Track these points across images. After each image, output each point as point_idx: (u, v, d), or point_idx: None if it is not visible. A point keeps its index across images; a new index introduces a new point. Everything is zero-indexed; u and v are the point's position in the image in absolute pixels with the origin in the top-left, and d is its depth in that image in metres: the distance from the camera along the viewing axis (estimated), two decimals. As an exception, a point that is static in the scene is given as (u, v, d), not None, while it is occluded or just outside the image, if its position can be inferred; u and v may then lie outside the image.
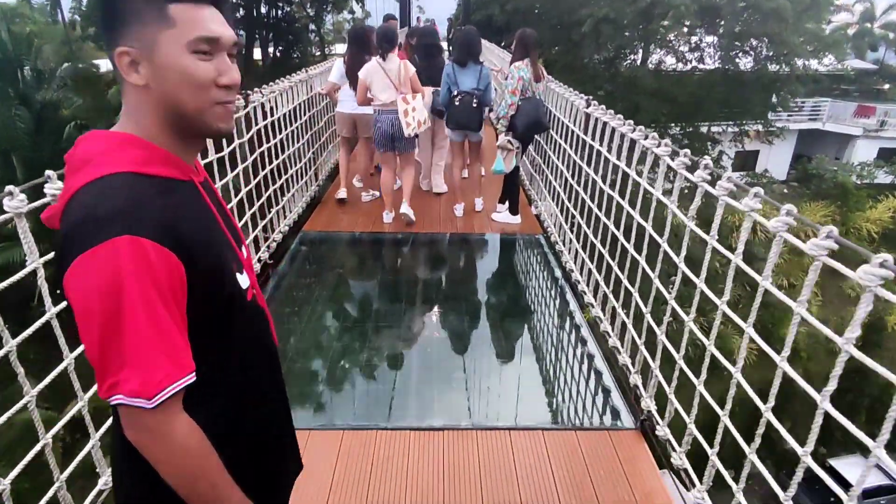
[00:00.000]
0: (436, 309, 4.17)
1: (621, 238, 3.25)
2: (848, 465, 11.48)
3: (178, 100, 1.00)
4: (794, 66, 13.53)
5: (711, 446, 2.18)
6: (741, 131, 16.18)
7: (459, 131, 5.21)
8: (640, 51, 15.38)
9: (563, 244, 4.65)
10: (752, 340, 1.91)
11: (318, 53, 22.67)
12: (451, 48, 5.73)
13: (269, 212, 4.43)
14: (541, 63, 5.63)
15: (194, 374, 0.98)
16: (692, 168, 2.35)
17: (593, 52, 14.32)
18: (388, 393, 3.17)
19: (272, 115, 4.42)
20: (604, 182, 3.59)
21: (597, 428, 2.93)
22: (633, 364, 3.00)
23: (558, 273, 4.60)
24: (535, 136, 5.54)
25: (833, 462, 12.39)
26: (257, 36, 21.75)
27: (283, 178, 4.79)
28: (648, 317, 2.83)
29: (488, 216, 5.62)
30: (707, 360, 2.18)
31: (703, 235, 2.19)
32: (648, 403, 2.77)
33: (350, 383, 3.30)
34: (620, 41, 13.84)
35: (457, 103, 4.88)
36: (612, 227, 3.43)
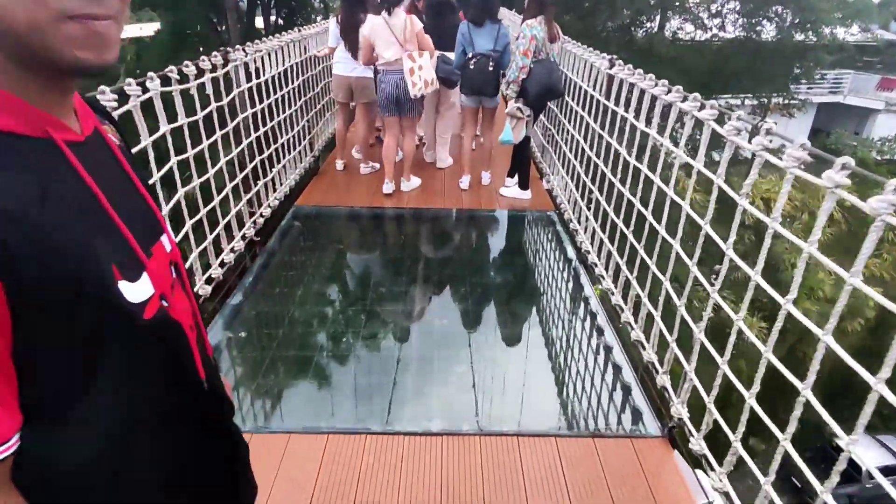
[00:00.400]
0: (438, 294, 3.80)
1: (650, 217, 2.84)
2: (858, 447, 11.27)
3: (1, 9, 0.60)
4: (820, 34, 12.81)
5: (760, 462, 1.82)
6: (761, 104, 15.50)
7: (474, 97, 4.81)
8: (658, 17, 14.65)
9: (578, 222, 4.24)
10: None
11: (322, 20, 21.94)
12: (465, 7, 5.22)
13: (256, 184, 4.03)
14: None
15: (14, 442, 0.62)
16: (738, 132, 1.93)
17: (607, 20, 13.63)
18: (381, 391, 2.81)
19: (258, 77, 4.00)
20: (629, 153, 3.17)
21: (617, 435, 2.57)
22: (660, 363, 2.63)
23: (572, 254, 4.20)
24: (549, 104, 5.10)
25: (840, 442, 12.21)
26: (259, 4, 21.06)
27: (272, 147, 4.38)
28: (682, 310, 2.44)
29: (496, 191, 5.21)
30: (762, 370, 1.80)
31: (763, 217, 1.79)
32: (680, 410, 2.40)
33: (339, 379, 2.95)
34: (638, 5, 13.13)
35: (471, 66, 4.49)
36: (637, 203, 3.02)
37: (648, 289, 2.86)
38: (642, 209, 2.94)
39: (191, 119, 2.99)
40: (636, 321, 2.97)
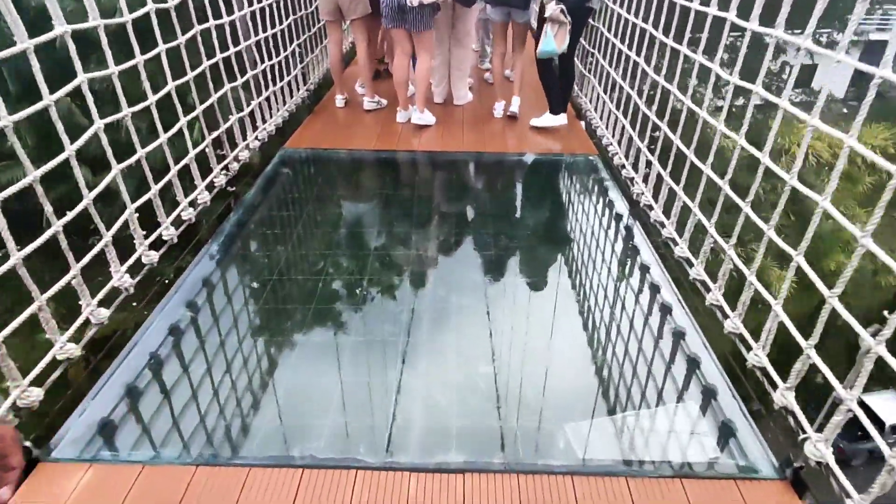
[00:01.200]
0: (455, 266, 3.00)
1: (765, 160, 1.98)
2: (882, 401, 10.79)
3: None
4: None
5: None
6: (813, 40, 13.90)
7: (501, 8, 4.07)
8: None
9: (635, 168, 3.37)
10: None
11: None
12: None
13: (227, 120, 3.20)
14: None
15: None
16: None
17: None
18: (380, 406, 2.06)
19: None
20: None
21: (713, 476, 1.80)
22: (782, 375, 1.83)
23: (624, 209, 3.34)
24: (590, 20, 4.13)
25: (865, 398, 11.92)
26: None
27: (247, 75, 3.51)
28: (831, 299, 1.62)
29: (526, 124, 4.33)
30: None
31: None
32: (821, 451, 1.62)
33: (322, 389, 2.16)
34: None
35: None
36: (739, 139, 2.16)
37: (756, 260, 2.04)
38: (745, 144, 2.08)
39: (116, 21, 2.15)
40: (736, 308, 2.16)
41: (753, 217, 2.09)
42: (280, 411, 2.05)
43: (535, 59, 4.05)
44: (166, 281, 2.67)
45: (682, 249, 2.56)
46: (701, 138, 2.54)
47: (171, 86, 2.56)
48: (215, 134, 2.99)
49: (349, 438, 1.92)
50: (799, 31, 1.95)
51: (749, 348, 2.01)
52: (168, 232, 2.52)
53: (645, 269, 2.84)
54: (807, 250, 1.78)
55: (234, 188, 3.22)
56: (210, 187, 2.95)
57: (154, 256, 2.38)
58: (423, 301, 2.62)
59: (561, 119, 4.23)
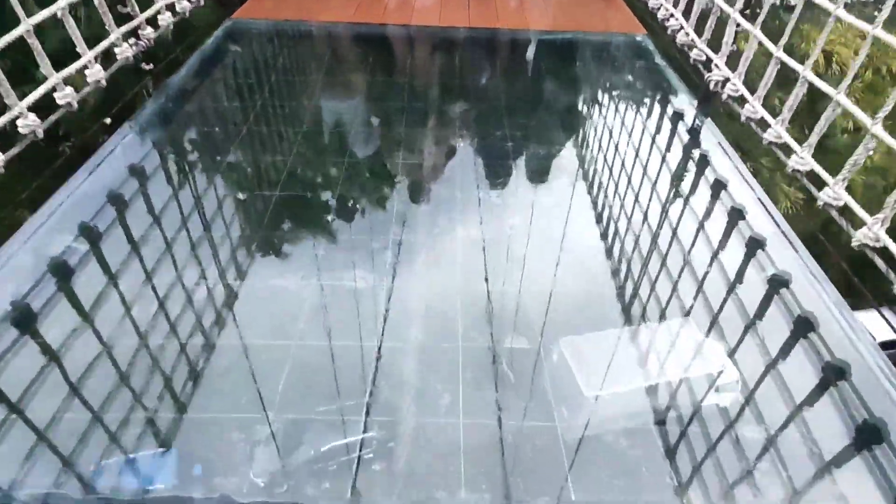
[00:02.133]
0: (457, 172, 2.16)
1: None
2: (869, 319, 10.99)
3: None
4: None
5: None
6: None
7: None
8: None
9: (712, 48, 2.44)
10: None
11: None
12: None
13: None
14: None
15: None
16: None
17: None
18: (353, 418, 1.29)
19: None
20: None
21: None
22: None
23: (686, 104, 2.47)
24: None
25: (856, 315, 12.14)
26: None
27: None
28: None
29: None
30: None
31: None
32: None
33: (270, 379, 1.39)
34: None
35: None
36: None
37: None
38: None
39: None
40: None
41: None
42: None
43: None
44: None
45: (803, 161, 1.72)
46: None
47: None
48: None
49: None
50: None
51: None
52: (26, 122, 1.64)
53: (721, 185, 2.03)
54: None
55: (150, 66, 2.28)
56: (107, 59, 2.02)
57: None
58: (412, 220, 1.84)
59: None
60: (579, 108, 2.73)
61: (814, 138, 1.66)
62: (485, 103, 2.61)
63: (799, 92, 1.75)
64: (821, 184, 1.60)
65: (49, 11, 1.75)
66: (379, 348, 1.39)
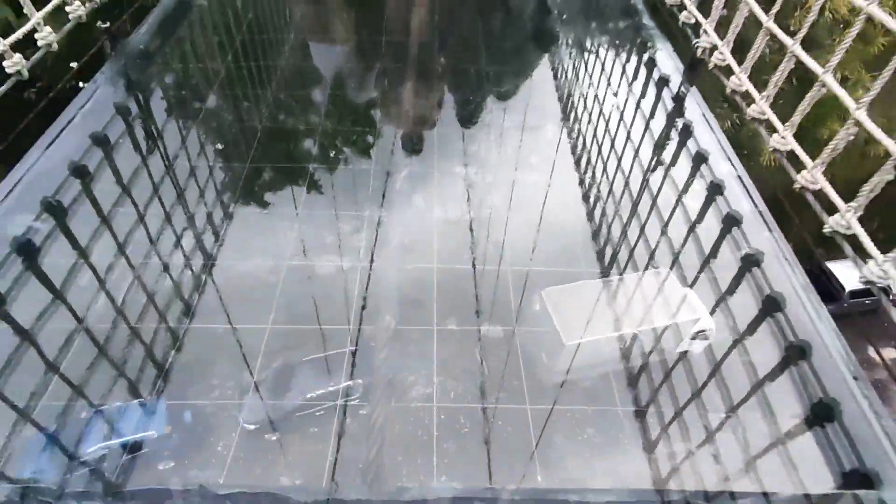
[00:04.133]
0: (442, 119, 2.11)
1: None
2: (842, 269, 11.60)
3: None
4: None
5: None
6: None
7: None
8: None
9: (701, 10, 2.34)
10: None
11: None
12: None
13: None
14: None
15: None
16: None
17: None
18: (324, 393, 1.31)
19: None
20: None
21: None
22: None
23: (672, 67, 2.39)
24: None
25: (829, 264, 12.60)
26: None
27: None
28: None
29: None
30: None
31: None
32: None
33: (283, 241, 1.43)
34: None
35: None
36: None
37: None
38: None
39: None
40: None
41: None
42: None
43: None
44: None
45: (784, 141, 1.68)
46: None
47: None
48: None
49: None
50: None
51: None
52: (12, 61, 1.54)
53: (702, 158, 2.00)
54: (805, 115, 1.58)
55: (106, 24, 2.14)
56: (57, 16, 1.88)
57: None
58: (394, 166, 1.83)
59: None
60: (564, 65, 2.63)
61: (797, 118, 1.61)
62: (469, 56, 2.51)
63: (786, 67, 1.69)
64: (800, 166, 1.57)
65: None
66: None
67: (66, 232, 1.57)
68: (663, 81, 2.38)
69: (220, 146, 1.99)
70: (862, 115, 1.37)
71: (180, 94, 2.23)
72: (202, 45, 2.52)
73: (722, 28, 2.08)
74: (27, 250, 1.51)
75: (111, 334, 1.34)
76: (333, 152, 1.94)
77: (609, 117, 2.25)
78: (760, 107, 1.76)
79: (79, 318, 1.36)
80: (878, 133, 1.35)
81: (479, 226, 1.69)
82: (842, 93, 1.50)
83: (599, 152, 2.08)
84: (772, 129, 1.71)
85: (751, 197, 1.81)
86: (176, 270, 1.51)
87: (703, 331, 1.49)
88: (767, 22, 1.74)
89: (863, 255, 1.35)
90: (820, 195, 1.50)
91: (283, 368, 1.24)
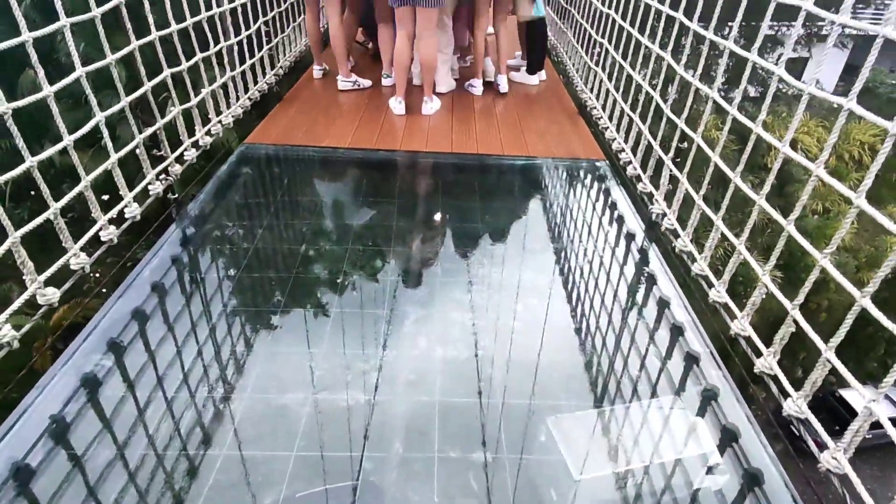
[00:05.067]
0: (441, 285, 2.50)
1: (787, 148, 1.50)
2: (857, 396, 11.04)
3: None
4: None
5: None
6: (812, 32, 13.57)
7: None
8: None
9: (653, 183, 2.88)
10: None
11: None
12: None
13: (159, 117, 2.63)
14: None
15: None
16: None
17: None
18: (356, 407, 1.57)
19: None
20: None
21: None
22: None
23: (637, 227, 2.86)
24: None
25: (843, 392, 12.19)
26: None
27: (191, 62, 2.92)
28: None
29: (519, 123, 3.87)
30: None
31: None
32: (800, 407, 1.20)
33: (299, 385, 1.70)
34: None
35: None
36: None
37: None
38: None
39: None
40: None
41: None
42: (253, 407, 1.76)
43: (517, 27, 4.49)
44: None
45: (719, 294, 2.08)
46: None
47: (80, 72, 1.99)
48: (144, 134, 2.41)
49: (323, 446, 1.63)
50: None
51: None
52: (77, 260, 1.98)
53: (664, 304, 2.38)
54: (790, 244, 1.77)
55: (175, 195, 2.66)
56: (142, 198, 2.40)
57: (52, 295, 1.83)
58: (404, 321, 2.17)
59: (535, 79, 4.68)
60: (546, 225, 3.12)
61: (726, 276, 2.03)
62: (465, 220, 3.01)
63: (715, 236, 2.15)
64: (732, 315, 1.95)
65: (102, 168, 2.14)
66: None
67: (122, 369, 1.93)
68: (630, 236, 2.85)
69: (251, 294, 2.40)
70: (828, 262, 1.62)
71: (225, 250, 2.68)
72: (246, 207, 3.04)
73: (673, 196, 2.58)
74: (91, 384, 1.84)
75: (140, 465, 1.62)
76: (347, 297, 2.34)
77: (591, 266, 2.68)
78: (701, 265, 2.19)
79: (119, 447, 1.66)
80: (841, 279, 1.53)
81: (481, 362, 2.02)
82: (752, 262, 1.91)
83: (586, 293, 2.48)
84: (710, 284, 2.12)
85: (703, 339, 2.17)
86: (199, 402, 1.82)
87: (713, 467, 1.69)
88: (698, 200, 2.22)
89: (783, 393, 1.67)
90: (749, 341, 1.85)
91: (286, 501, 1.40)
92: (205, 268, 2.55)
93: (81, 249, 1.97)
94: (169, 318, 2.14)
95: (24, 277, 1.72)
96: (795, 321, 1.63)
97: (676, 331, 2.21)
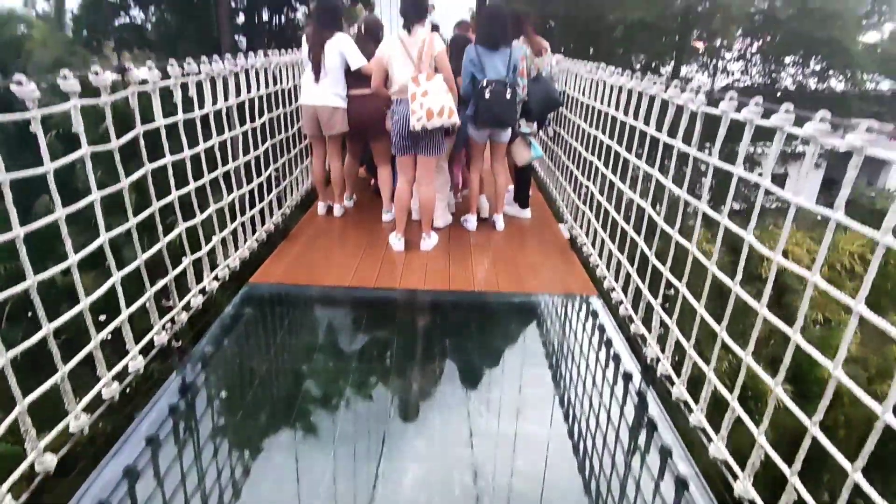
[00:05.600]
0: (438, 418, 2.50)
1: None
2: None
3: None
4: (857, 81, 11.89)
5: None
6: (790, 153, 14.51)
7: (486, 130, 4.22)
8: (673, 61, 13.79)
9: (646, 325, 2.96)
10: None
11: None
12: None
13: (172, 269, 2.77)
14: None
15: None
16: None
17: (627, 63, 12.73)
18: None
19: (184, 112, 2.79)
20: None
21: None
22: None
23: (634, 369, 2.90)
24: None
25: None
26: (258, 43, 20.40)
27: (206, 212, 3.13)
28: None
29: (514, 261, 4.02)
30: None
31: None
32: None
33: None
34: (657, 48, 12.26)
35: (487, 95, 3.84)
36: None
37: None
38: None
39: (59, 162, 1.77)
40: None
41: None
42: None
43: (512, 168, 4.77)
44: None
45: (718, 449, 2.08)
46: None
47: (106, 236, 2.14)
48: (156, 287, 2.54)
49: None
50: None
51: None
52: (77, 423, 1.99)
53: (666, 453, 2.35)
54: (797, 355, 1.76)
55: (179, 342, 2.72)
56: (147, 349, 2.45)
57: (50, 462, 1.83)
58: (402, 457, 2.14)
59: (527, 213, 4.98)
60: (542, 366, 3.14)
61: (723, 431, 2.04)
62: (461, 359, 3.04)
63: (731, 416, 2.16)
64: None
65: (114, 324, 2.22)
66: None
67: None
68: (627, 377, 2.87)
69: (257, 426, 2.41)
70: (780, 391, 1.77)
71: (224, 398, 2.69)
72: (248, 351, 3.09)
73: (666, 339, 2.64)
74: None
75: None
76: (346, 448, 2.33)
77: (590, 410, 2.68)
78: (698, 417, 2.20)
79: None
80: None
81: (480, 492, 2.01)
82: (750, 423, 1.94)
83: (584, 439, 2.47)
84: (709, 438, 2.12)
85: (690, 463, 2.17)
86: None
87: None
88: (689, 350, 2.29)
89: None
90: (727, 465, 1.90)
91: None
92: (204, 418, 2.54)
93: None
94: (165, 475, 2.12)
95: (25, 446, 1.73)
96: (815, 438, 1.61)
97: (681, 485, 2.18)
